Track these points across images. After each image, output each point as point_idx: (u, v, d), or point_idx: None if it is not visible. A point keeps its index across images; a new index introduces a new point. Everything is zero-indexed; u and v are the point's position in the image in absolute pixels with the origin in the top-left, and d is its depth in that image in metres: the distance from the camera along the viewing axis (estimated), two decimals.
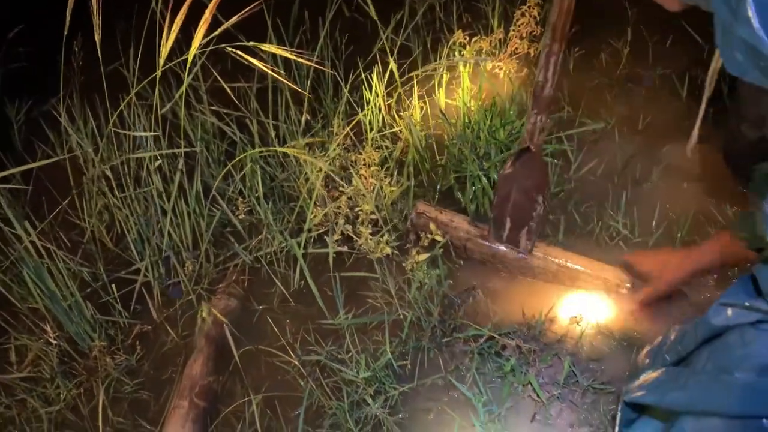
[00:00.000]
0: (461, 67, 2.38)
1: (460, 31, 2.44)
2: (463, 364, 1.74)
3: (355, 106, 2.34)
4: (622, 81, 2.51)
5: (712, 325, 0.85)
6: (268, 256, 2.04)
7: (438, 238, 1.91)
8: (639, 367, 1.03)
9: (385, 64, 2.23)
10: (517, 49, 2.45)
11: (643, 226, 1.98)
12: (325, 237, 2.01)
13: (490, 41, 2.47)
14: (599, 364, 1.70)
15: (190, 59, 1.51)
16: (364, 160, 2.15)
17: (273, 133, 2.23)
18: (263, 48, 1.72)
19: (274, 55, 2.31)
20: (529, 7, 2.32)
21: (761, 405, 0.74)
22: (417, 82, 2.33)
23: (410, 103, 2.32)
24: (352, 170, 2.06)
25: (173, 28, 1.44)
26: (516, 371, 1.68)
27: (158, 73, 1.63)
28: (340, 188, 2.08)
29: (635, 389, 0.87)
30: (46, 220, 1.99)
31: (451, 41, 2.44)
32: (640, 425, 0.88)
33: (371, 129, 2.26)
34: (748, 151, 1.69)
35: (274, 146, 2.14)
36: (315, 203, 1.99)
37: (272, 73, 1.83)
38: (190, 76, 1.85)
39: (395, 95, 2.32)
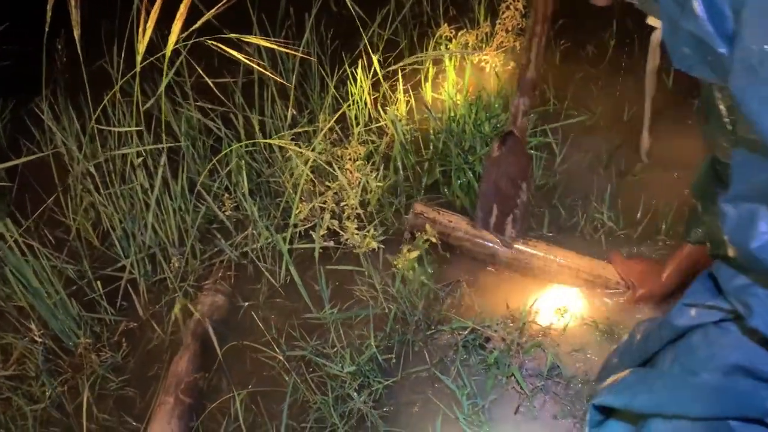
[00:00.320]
0: (447, 61, 2.38)
1: (446, 24, 2.45)
2: (448, 357, 1.74)
3: (341, 101, 2.34)
4: (608, 73, 2.51)
5: (675, 325, 0.85)
6: (255, 252, 2.04)
7: (434, 240, 1.90)
8: (608, 366, 1.03)
9: (371, 59, 2.22)
10: (503, 42, 2.45)
11: (627, 218, 1.99)
12: (311, 232, 2.01)
13: (477, 35, 2.48)
14: (583, 355, 1.71)
15: (168, 54, 1.51)
16: (350, 154, 2.15)
17: (258, 128, 2.23)
18: (246, 40, 1.72)
19: (259, 51, 2.30)
20: (514, 0, 2.32)
21: (728, 406, 0.74)
22: (403, 76, 2.33)
23: (396, 97, 2.32)
24: (336, 165, 2.06)
25: (149, 24, 1.43)
26: (500, 363, 1.68)
27: (138, 69, 1.63)
28: (326, 183, 2.08)
29: (603, 391, 0.86)
30: (30, 218, 1.99)
31: (437, 35, 2.44)
32: (609, 428, 0.88)
33: (357, 124, 2.26)
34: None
35: (265, 140, 2.14)
36: (300, 198, 1.99)
37: (256, 67, 1.83)
38: (172, 71, 1.85)
39: (381, 90, 2.32)
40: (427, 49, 2.42)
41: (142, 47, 1.48)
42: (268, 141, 1.84)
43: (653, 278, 1.72)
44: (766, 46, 0.56)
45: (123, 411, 1.77)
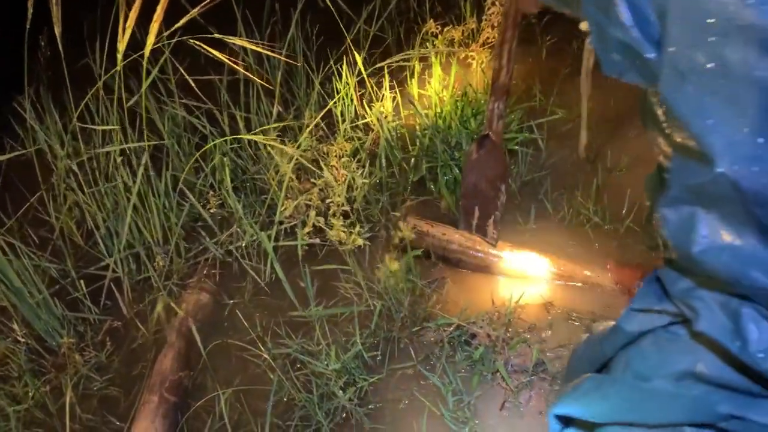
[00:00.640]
0: (433, 58, 2.37)
1: (432, 20, 2.44)
2: (434, 354, 1.74)
3: (327, 97, 2.33)
4: (594, 68, 2.51)
5: (626, 331, 0.84)
6: (240, 250, 2.03)
7: (417, 253, 1.89)
8: (569, 370, 1.02)
9: (356, 55, 2.22)
10: (488, 38, 2.44)
11: (613, 213, 1.98)
12: (297, 230, 1.99)
13: (462, 31, 2.47)
14: (569, 351, 1.70)
15: (147, 53, 1.49)
16: (336, 151, 2.14)
17: (244, 125, 2.22)
18: (229, 41, 1.71)
19: (244, 48, 2.29)
20: None
21: (681, 412, 0.73)
22: (389, 73, 2.32)
23: (382, 94, 2.31)
24: (322, 162, 2.05)
25: (128, 23, 1.42)
26: (485, 360, 1.68)
27: (119, 67, 1.62)
28: (312, 180, 2.07)
29: (562, 399, 0.86)
30: (13, 217, 1.97)
31: (423, 31, 2.43)
32: None
33: (343, 120, 2.25)
34: None
35: (248, 136, 2.12)
36: (286, 195, 1.98)
37: (239, 68, 1.82)
38: (155, 69, 1.83)
39: (367, 86, 2.31)
40: (413, 46, 2.41)
41: (122, 45, 1.47)
42: (250, 137, 1.82)
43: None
44: (691, 50, 0.56)
45: (107, 410, 1.76)
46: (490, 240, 1.86)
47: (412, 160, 2.21)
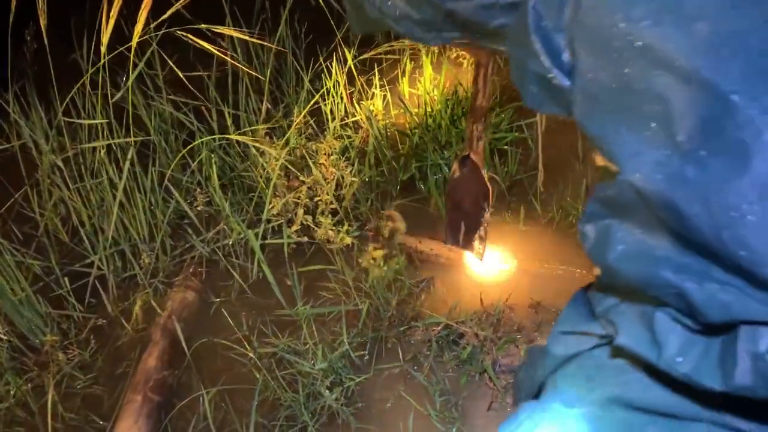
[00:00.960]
0: (424, 56, 2.36)
1: None
2: (421, 353, 1.72)
3: (316, 95, 2.31)
4: None
5: (554, 354, 0.83)
6: (226, 248, 2.01)
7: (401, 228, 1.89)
8: (515, 392, 1.01)
9: (346, 53, 2.20)
10: None
11: None
12: (284, 228, 1.98)
13: None
14: None
15: (134, 45, 1.47)
16: (325, 149, 2.13)
17: (232, 122, 2.20)
18: (217, 31, 1.70)
19: (233, 44, 2.27)
20: None
21: None
22: (380, 71, 2.30)
23: (372, 92, 2.30)
24: (310, 160, 2.04)
25: (112, 14, 1.40)
26: (473, 359, 1.67)
27: (104, 61, 1.59)
28: (300, 178, 2.05)
29: (502, 427, 0.85)
30: None
31: None
32: None
33: (333, 118, 2.24)
34: None
35: (234, 136, 2.10)
36: (273, 193, 1.97)
37: (229, 59, 1.80)
38: (141, 63, 1.81)
39: (357, 84, 2.30)
40: (404, 43, 2.40)
41: (105, 38, 1.44)
42: (238, 137, 1.81)
43: None
44: (597, 72, 0.59)
45: (90, 409, 1.74)
46: (476, 254, 1.87)
47: (402, 159, 2.20)
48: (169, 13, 1.54)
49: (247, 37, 1.76)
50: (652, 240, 0.62)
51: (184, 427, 1.66)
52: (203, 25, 1.66)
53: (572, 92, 0.63)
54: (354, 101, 2.29)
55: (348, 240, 1.92)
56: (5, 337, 1.79)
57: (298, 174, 2.07)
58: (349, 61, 2.17)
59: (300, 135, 2.16)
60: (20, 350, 1.83)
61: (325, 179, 2.04)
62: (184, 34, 1.56)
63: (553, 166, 2.14)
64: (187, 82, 1.90)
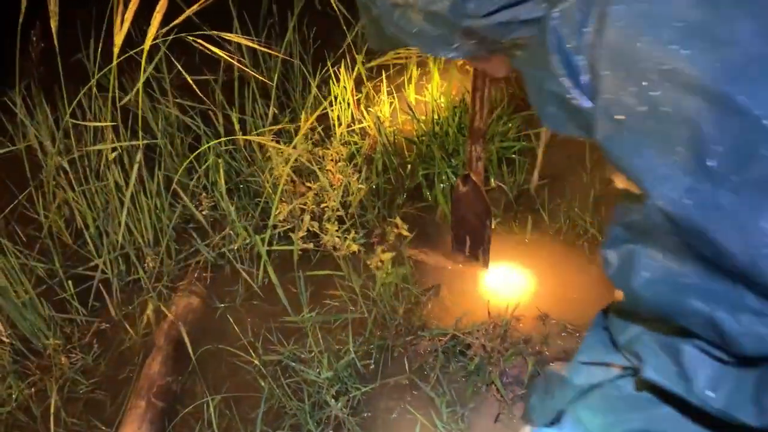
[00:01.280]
0: (431, 63, 2.36)
1: None
2: (428, 363, 1.71)
3: (323, 100, 2.30)
4: None
5: (574, 384, 0.83)
6: (232, 253, 2.00)
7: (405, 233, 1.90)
8: (527, 413, 1.00)
9: (354, 59, 2.19)
10: None
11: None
12: (291, 234, 1.97)
13: None
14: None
15: (146, 48, 1.46)
16: (332, 155, 2.12)
17: (239, 127, 2.19)
18: (225, 37, 1.69)
19: (240, 49, 2.27)
20: None
21: None
22: (387, 78, 2.30)
23: (380, 98, 2.29)
24: (316, 167, 2.03)
25: (127, 16, 1.39)
26: (480, 371, 1.66)
27: (114, 63, 1.58)
28: (307, 184, 2.04)
29: None
30: (0, 214, 1.93)
31: None
32: None
33: (340, 124, 2.23)
34: None
35: (246, 137, 2.10)
36: (280, 199, 1.95)
37: (237, 64, 1.79)
38: (151, 67, 1.80)
39: (364, 90, 2.29)
40: (411, 50, 2.39)
41: (119, 39, 1.43)
42: (246, 137, 1.79)
43: None
44: (622, 96, 0.58)
45: (92, 415, 1.72)
46: (482, 265, 1.87)
47: (409, 166, 2.19)
48: (181, 18, 1.53)
49: (255, 45, 1.75)
50: (679, 267, 0.61)
51: None
52: (213, 32, 1.65)
53: (594, 114, 0.62)
54: (361, 107, 2.28)
55: (354, 247, 1.91)
56: (8, 340, 1.77)
57: (305, 180, 2.06)
58: (360, 68, 2.16)
59: (307, 140, 2.15)
60: (23, 353, 1.81)
61: (331, 186, 2.03)
62: (196, 40, 1.54)
63: (561, 176, 2.14)
64: (194, 86, 1.89)
